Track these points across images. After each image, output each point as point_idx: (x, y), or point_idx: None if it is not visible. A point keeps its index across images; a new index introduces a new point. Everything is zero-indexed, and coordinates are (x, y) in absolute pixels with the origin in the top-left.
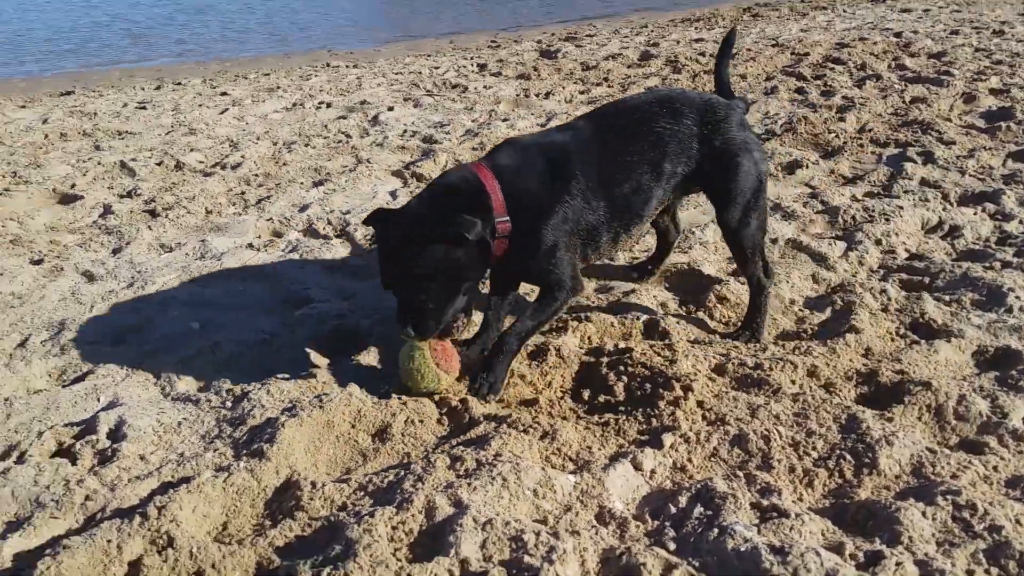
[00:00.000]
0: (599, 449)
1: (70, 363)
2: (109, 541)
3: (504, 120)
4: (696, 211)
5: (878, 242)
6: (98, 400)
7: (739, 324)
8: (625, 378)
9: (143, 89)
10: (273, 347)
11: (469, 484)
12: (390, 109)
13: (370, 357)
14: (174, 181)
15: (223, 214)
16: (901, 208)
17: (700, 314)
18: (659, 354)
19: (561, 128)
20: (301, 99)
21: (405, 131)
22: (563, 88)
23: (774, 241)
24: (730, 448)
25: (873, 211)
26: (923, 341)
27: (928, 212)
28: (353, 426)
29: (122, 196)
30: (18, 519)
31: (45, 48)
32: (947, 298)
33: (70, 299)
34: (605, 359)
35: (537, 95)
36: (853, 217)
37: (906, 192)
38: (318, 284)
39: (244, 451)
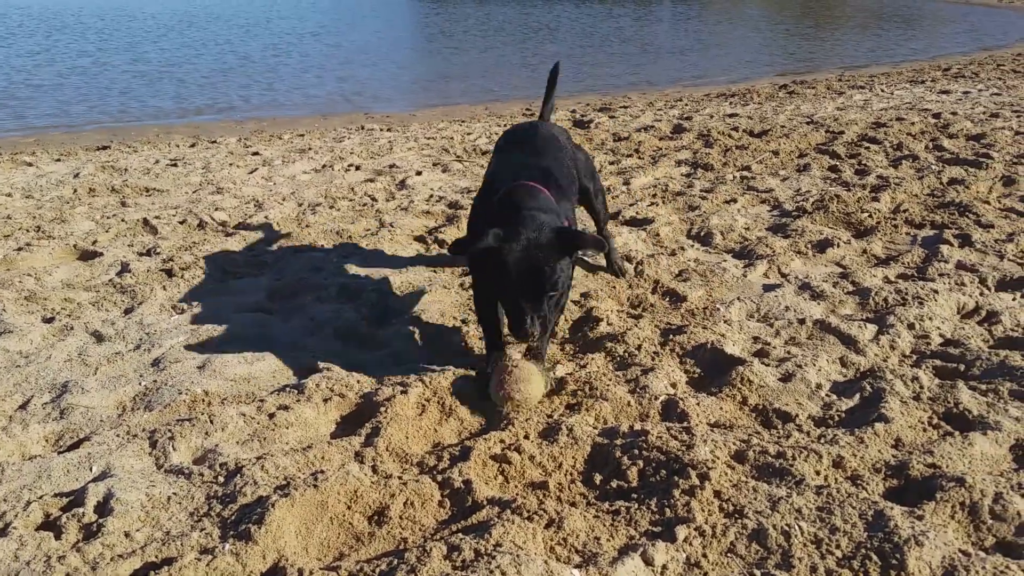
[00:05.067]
0: (607, 540)
1: (68, 428)
2: None
3: None
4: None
5: (911, 326)
6: (91, 470)
7: (760, 408)
8: (640, 463)
9: (177, 146)
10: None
11: None
12: (418, 173)
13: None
14: (194, 240)
15: (240, 275)
16: (936, 292)
17: (721, 395)
18: (676, 438)
19: (515, 160)
20: (331, 161)
21: (431, 196)
22: (593, 158)
23: (801, 321)
24: (748, 543)
25: (906, 294)
26: (957, 433)
27: (964, 296)
28: (349, 507)
29: (141, 254)
30: None
31: (86, 103)
32: (983, 387)
33: (75, 360)
34: (619, 441)
35: None
36: (885, 299)
37: (941, 275)
38: (327, 352)
39: (232, 531)
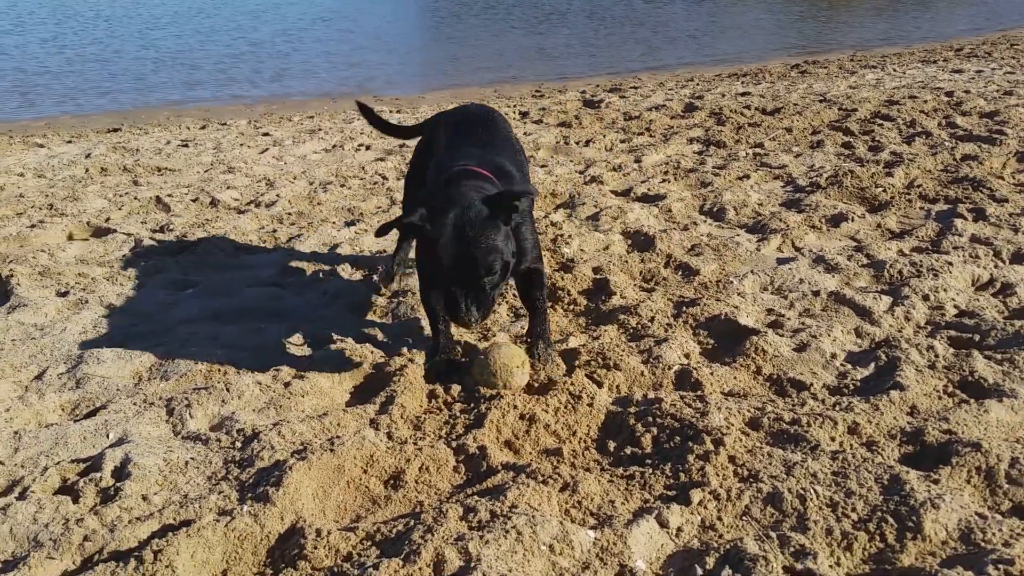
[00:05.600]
0: (622, 504)
1: (84, 397)
2: None
3: (543, 166)
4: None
5: (925, 297)
6: (107, 436)
7: (774, 377)
8: (654, 429)
9: (188, 128)
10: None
11: (481, 537)
12: None
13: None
14: (207, 218)
15: (252, 251)
16: (950, 264)
17: (735, 365)
18: (690, 405)
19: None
20: (341, 141)
21: None
22: (603, 136)
23: (815, 293)
24: (763, 507)
25: (921, 266)
26: (973, 400)
27: (979, 269)
28: (365, 471)
29: (154, 231)
30: (14, 558)
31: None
32: (999, 356)
33: (91, 332)
34: (633, 409)
35: (577, 143)
36: (900, 271)
37: (956, 248)
38: (341, 324)
39: (250, 494)
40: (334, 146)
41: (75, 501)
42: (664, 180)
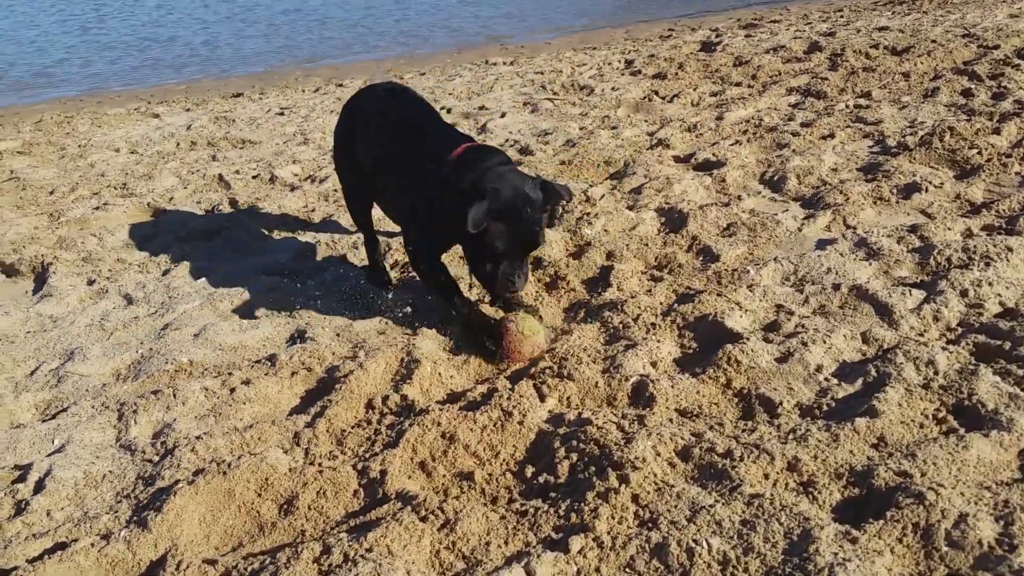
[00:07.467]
0: (499, 547)
1: (56, 397)
2: None
3: (612, 128)
4: (745, 248)
5: (964, 293)
6: (53, 442)
7: (743, 392)
8: (574, 456)
9: (303, 91)
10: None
11: None
12: (502, 116)
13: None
14: (258, 196)
15: (277, 233)
16: (1010, 250)
17: (704, 377)
18: (621, 428)
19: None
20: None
21: (507, 140)
22: (694, 89)
23: (836, 287)
24: (648, 559)
25: (974, 252)
26: (959, 432)
27: None
28: (259, 495)
29: (206, 212)
30: None
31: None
32: (1020, 374)
33: (94, 326)
34: (562, 430)
35: (664, 97)
36: (948, 259)
37: None
38: (323, 321)
39: (135, 517)
40: None
41: None
42: (736, 142)
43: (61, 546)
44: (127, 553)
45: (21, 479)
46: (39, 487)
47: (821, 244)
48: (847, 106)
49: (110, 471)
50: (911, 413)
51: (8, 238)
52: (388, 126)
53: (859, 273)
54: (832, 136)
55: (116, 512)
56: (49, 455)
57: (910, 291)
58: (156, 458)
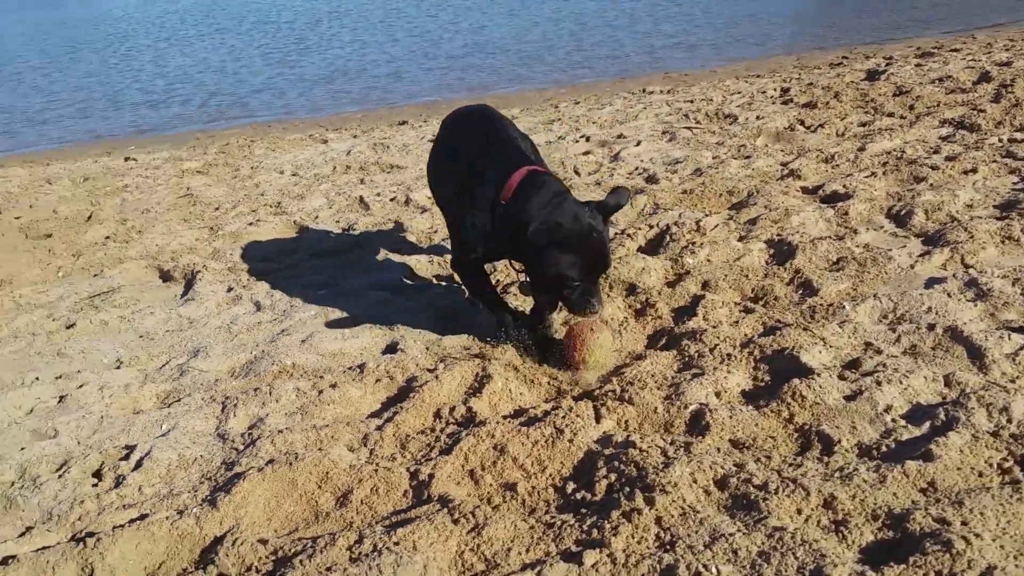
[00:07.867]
0: (519, 554)
1: (176, 388)
2: (47, 562)
3: (746, 158)
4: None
5: None
6: (161, 427)
7: (804, 427)
8: (612, 476)
9: None
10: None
11: (344, 571)
12: (637, 144)
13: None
14: (391, 218)
15: (398, 254)
16: None
17: (767, 410)
18: (664, 453)
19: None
20: (569, 131)
21: (635, 168)
22: (841, 120)
23: (931, 327)
24: None
25: None
26: (1020, 483)
27: None
28: (319, 487)
29: (343, 230)
30: (28, 527)
31: (408, 79)
32: None
33: (224, 328)
34: (608, 451)
35: (809, 127)
36: None
37: None
38: (419, 335)
39: (209, 497)
40: (559, 137)
41: (95, 484)
42: (872, 174)
43: (143, 517)
44: (195, 528)
45: (125, 457)
46: (138, 465)
47: (931, 283)
48: (999, 140)
49: (201, 455)
50: (972, 460)
51: (171, 248)
52: (462, 139)
53: (961, 314)
54: (975, 171)
55: (196, 492)
56: (156, 438)
57: (1009, 335)
58: (241, 447)
